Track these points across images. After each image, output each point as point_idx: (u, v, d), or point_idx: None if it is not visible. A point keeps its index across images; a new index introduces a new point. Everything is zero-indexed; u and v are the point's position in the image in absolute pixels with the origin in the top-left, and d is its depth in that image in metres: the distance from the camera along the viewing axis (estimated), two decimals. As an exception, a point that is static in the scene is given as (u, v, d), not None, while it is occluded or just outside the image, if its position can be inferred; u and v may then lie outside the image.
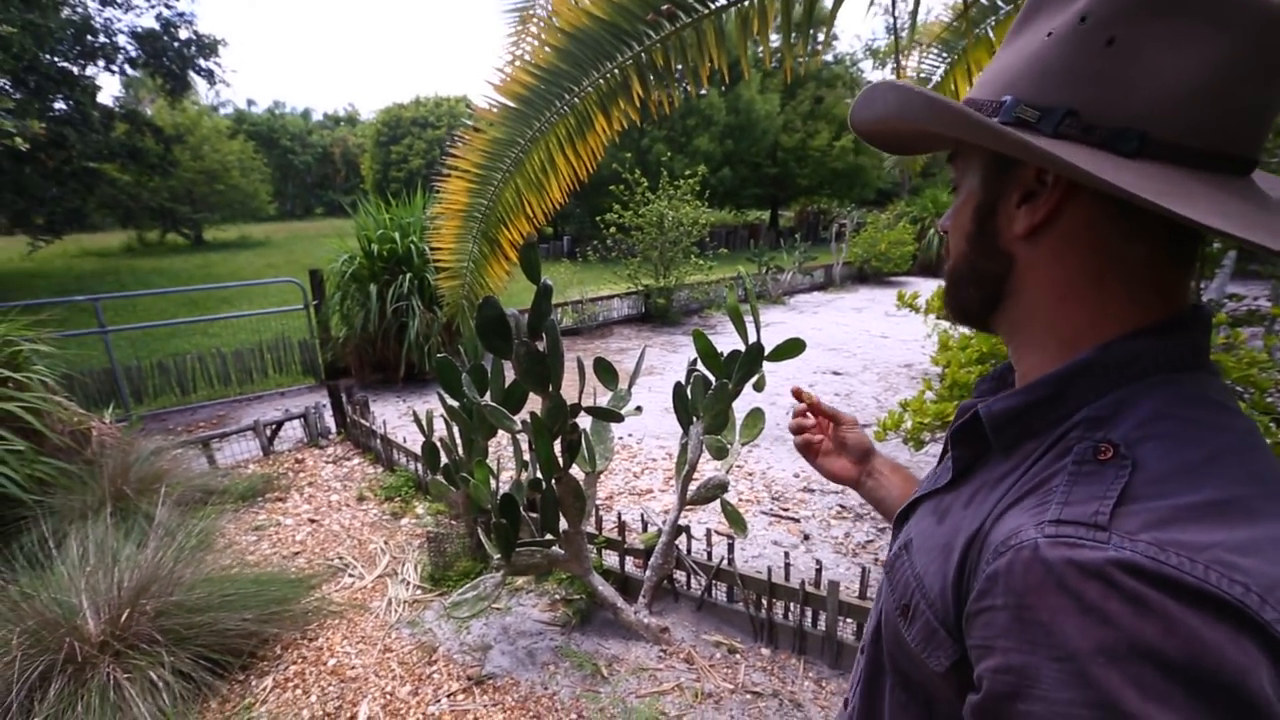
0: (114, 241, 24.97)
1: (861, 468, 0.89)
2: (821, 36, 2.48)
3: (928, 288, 3.16)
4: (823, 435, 0.92)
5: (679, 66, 2.26)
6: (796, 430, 0.94)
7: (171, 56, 17.36)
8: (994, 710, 0.41)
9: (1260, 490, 0.40)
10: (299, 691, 2.41)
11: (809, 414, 0.94)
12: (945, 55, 3.49)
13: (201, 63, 18.03)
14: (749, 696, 2.33)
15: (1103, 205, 0.46)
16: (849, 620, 2.43)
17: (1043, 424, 0.49)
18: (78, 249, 21.93)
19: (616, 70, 2.15)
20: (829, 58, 21.79)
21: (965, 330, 3.49)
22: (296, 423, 5.00)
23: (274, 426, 4.84)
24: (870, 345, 7.94)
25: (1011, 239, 0.51)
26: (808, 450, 0.93)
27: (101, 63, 16.43)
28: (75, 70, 15.48)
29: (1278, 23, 0.40)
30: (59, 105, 15.00)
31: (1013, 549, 0.41)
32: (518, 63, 2.24)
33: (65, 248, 20.64)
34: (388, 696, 2.38)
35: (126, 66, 17.21)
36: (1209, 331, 0.50)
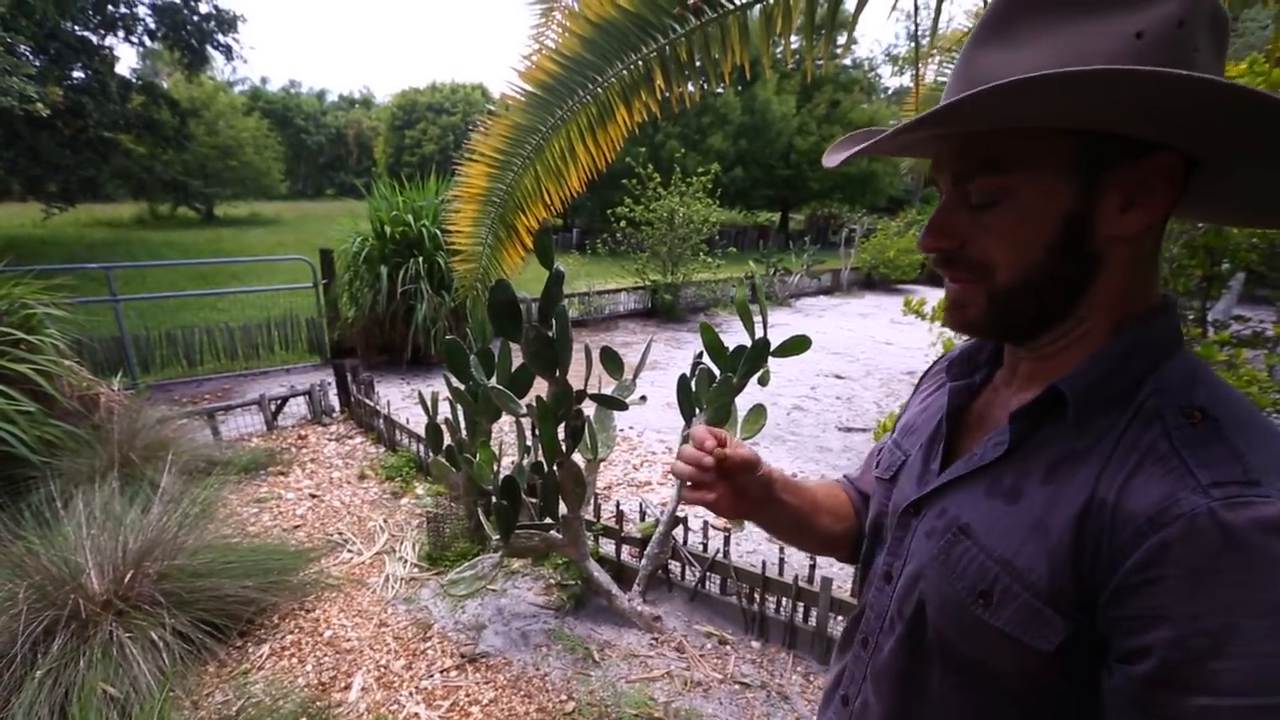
0: (126, 212, 25.07)
1: (761, 501, 0.74)
2: (842, 39, 2.49)
3: (934, 296, 3.18)
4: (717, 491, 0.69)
5: (700, 61, 2.28)
6: (693, 477, 0.69)
7: (190, 30, 17.39)
8: (1178, 677, 0.41)
9: None
10: (295, 660, 2.45)
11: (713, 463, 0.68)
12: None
13: (220, 37, 18.06)
14: (737, 687, 2.36)
15: (1179, 197, 0.51)
16: (840, 617, 2.46)
17: (1111, 396, 0.52)
18: (90, 218, 22.04)
19: (640, 62, 2.17)
20: (848, 62, 21.73)
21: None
22: (301, 399, 5.04)
23: (279, 402, 4.88)
24: (874, 351, 7.95)
25: (1106, 239, 0.51)
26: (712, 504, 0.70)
27: (121, 33, 16.47)
28: (95, 39, 15.54)
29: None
30: (77, 74, 15.09)
31: (1183, 517, 0.42)
32: (542, 50, 2.26)
33: (78, 216, 20.72)
34: (382, 669, 2.42)
35: (145, 38, 17.25)
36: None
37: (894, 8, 2.21)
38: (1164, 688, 0.42)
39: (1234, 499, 0.42)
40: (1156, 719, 0.42)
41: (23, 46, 10.49)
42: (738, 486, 0.70)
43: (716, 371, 2.53)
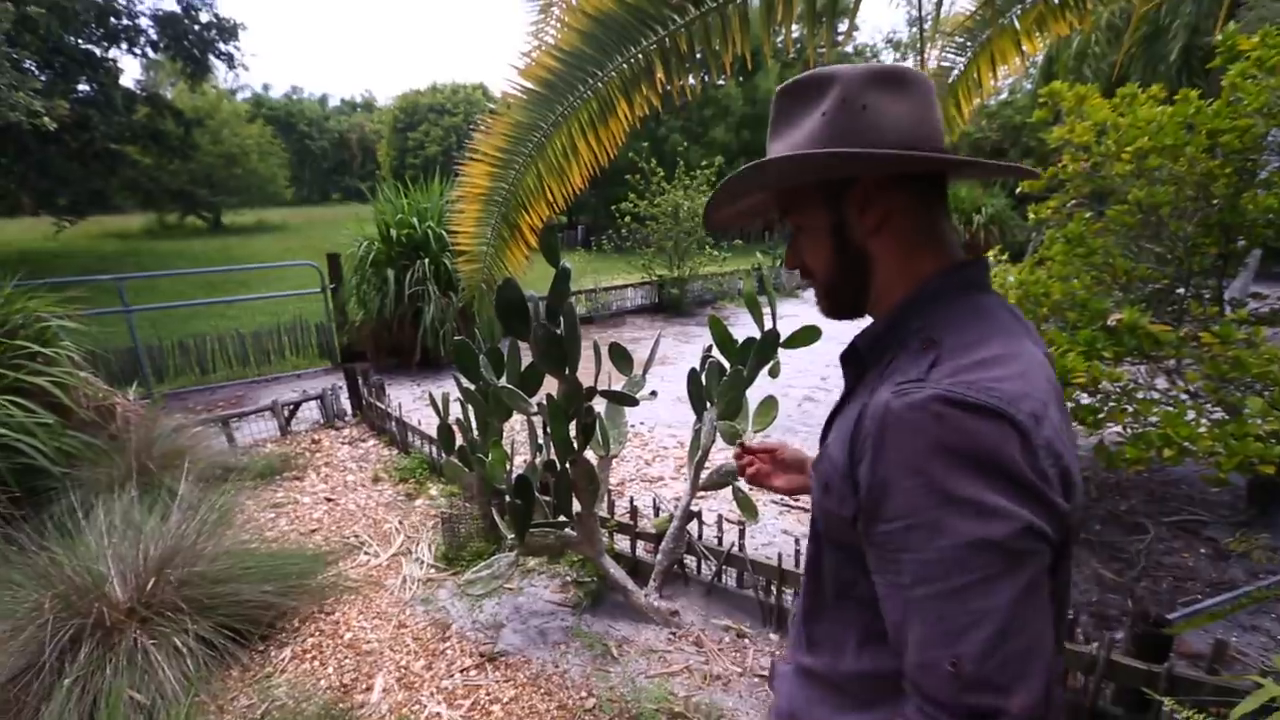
0: (135, 224, 25.33)
1: (806, 475, 1.10)
2: (843, 26, 2.46)
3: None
4: (760, 464, 1.15)
5: (700, 53, 2.26)
6: (741, 471, 1.18)
7: (192, 39, 17.51)
8: (868, 514, 0.62)
9: (1009, 350, 0.63)
10: (316, 663, 2.48)
11: (745, 455, 1.17)
12: (969, 45, 3.45)
13: (221, 46, 18.17)
14: (757, 680, 2.36)
15: (906, 194, 0.71)
16: (858, 608, 2.45)
17: (894, 341, 0.71)
18: (100, 230, 22.27)
19: (640, 55, 2.15)
20: (849, 49, 21.52)
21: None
22: (313, 404, 5.07)
23: (291, 407, 4.92)
24: (884, 340, 7.90)
25: (864, 239, 0.73)
26: (757, 479, 1.15)
27: (124, 45, 16.62)
28: (99, 52, 15.67)
29: (930, 89, 0.73)
30: (83, 87, 15.23)
31: (879, 407, 0.62)
32: (542, 47, 2.25)
33: (88, 229, 20.96)
34: (402, 670, 2.43)
35: (148, 49, 17.40)
36: (987, 269, 0.75)
37: (896, -9, 2.18)
38: (865, 522, 0.63)
39: (901, 391, 0.60)
40: (868, 543, 0.64)
41: (28, 61, 10.59)
42: (777, 460, 1.14)
43: (726, 365, 2.52)
